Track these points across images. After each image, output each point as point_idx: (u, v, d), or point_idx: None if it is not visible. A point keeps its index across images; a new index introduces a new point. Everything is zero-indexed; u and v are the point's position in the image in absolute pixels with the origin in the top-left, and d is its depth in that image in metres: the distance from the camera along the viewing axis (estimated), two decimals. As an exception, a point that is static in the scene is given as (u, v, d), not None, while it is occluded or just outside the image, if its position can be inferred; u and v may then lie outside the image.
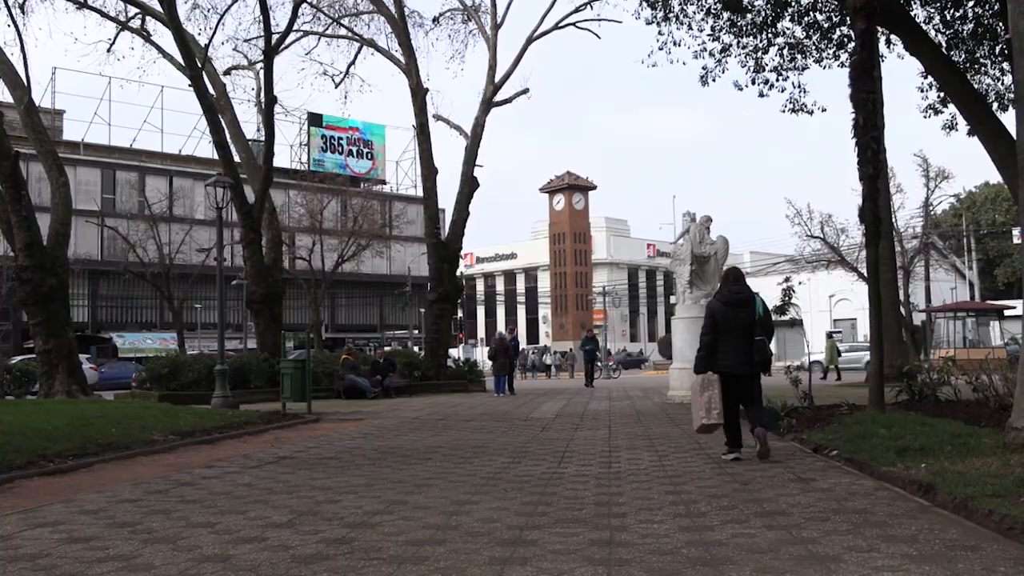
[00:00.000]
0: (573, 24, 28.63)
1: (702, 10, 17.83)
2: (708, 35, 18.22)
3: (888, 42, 18.84)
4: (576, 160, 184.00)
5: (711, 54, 18.47)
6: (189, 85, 22.46)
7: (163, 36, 25.40)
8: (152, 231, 41.41)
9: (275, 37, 24.12)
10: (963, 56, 17.38)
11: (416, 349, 37.87)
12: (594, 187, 66.48)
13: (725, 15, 17.76)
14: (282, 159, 54.62)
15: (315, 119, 58.04)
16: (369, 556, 4.74)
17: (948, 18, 17.27)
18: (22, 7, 22.85)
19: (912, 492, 6.16)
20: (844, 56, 17.67)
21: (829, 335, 34.23)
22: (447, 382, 25.54)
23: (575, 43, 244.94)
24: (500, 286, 78.23)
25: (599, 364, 34.67)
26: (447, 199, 30.15)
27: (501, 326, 62.46)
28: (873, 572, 4.15)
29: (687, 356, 14.12)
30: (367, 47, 29.23)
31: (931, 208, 43.38)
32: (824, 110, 19.29)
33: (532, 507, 6.08)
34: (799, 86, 19.05)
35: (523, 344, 47.66)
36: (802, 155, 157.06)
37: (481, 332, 74.28)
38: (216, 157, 24.48)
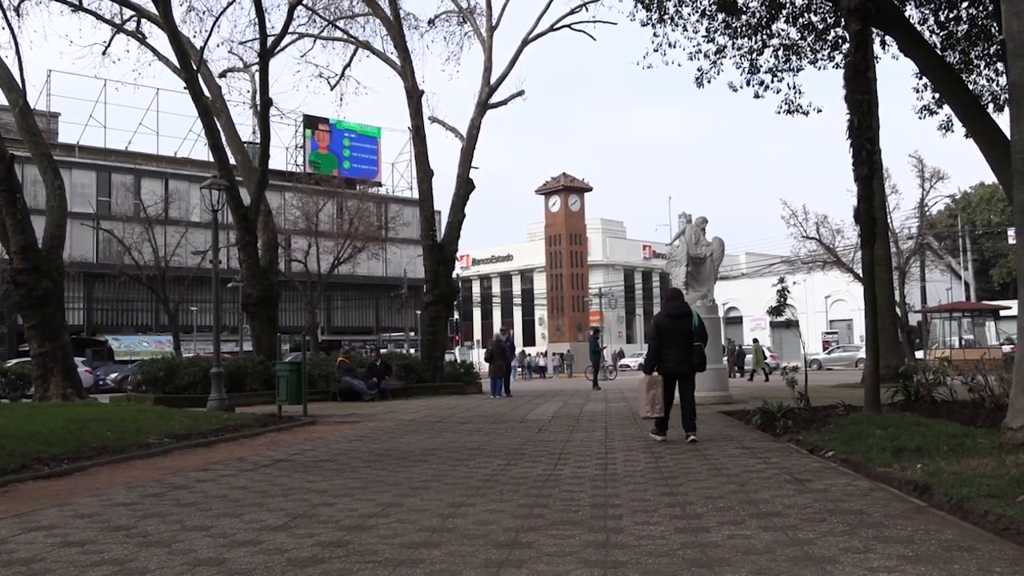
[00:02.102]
0: (568, 26, 28.62)
1: (697, 12, 17.88)
2: (703, 37, 18.28)
3: (883, 43, 18.89)
4: (572, 162, 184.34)
5: (706, 56, 18.50)
6: (184, 88, 22.45)
7: (159, 39, 25.31)
8: (148, 234, 41.39)
9: (271, 39, 24.10)
10: (957, 57, 17.43)
11: (412, 352, 37.81)
12: (590, 189, 66.41)
13: (720, 17, 17.80)
14: (278, 161, 54.68)
15: (311, 121, 58.05)
16: (364, 559, 4.73)
17: (942, 19, 17.32)
18: (17, 9, 22.82)
19: (908, 493, 6.17)
20: (839, 57, 17.69)
21: (755, 340, 36.34)
22: (443, 384, 25.52)
23: (570, 45, 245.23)
24: (496, 288, 78.21)
25: (602, 364, 34.04)
26: (443, 201, 30.14)
27: (497, 328, 62.45)
28: (869, 573, 4.15)
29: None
30: (363, 49, 29.21)
31: (926, 209, 43.53)
32: (819, 111, 19.37)
33: (528, 509, 6.08)
34: (794, 87, 19.12)
35: (519, 347, 47.50)
36: (798, 156, 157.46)
37: (477, 334, 74.25)
38: (212, 159, 24.44)
